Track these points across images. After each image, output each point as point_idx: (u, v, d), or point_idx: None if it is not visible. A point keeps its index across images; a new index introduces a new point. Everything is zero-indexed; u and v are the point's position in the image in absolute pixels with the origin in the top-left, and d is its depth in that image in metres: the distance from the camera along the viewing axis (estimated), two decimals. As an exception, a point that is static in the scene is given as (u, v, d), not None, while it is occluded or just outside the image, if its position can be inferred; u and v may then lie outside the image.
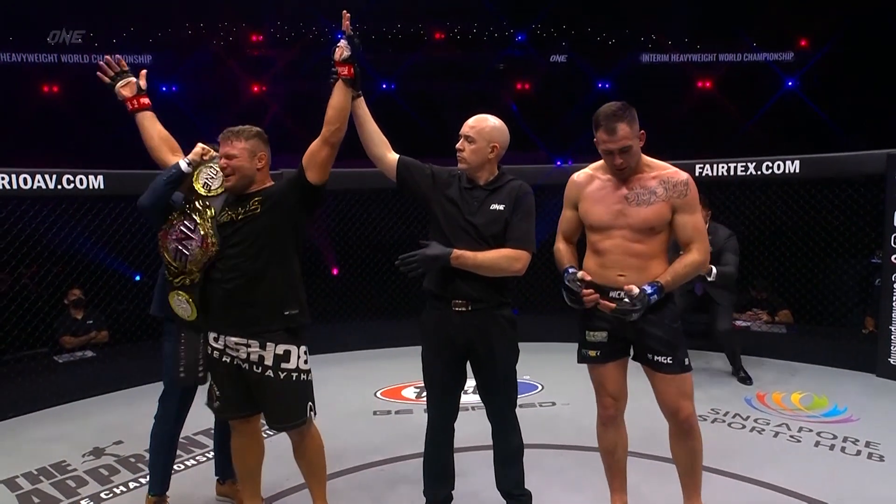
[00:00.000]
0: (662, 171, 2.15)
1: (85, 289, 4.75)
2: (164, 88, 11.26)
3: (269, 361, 2.13)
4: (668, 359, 2.12)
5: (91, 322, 4.89)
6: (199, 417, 2.66)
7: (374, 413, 3.68)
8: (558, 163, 8.73)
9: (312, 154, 2.15)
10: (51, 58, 10.77)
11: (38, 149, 8.85)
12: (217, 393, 2.22)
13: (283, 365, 2.14)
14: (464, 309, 2.14)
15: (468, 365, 2.27)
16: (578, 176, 2.26)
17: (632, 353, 2.23)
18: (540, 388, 4.04)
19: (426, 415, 2.33)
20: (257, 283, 2.12)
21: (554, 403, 3.76)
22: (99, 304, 4.84)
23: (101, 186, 3.90)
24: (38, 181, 3.65)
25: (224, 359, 2.18)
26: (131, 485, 2.84)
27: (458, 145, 2.17)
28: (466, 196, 2.18)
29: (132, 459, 3.10)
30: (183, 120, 10.65)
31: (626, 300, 2.01)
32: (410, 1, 11.66)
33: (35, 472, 2.97)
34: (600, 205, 2.15)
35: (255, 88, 11.61)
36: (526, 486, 2.35)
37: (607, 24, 11.88)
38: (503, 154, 2.22)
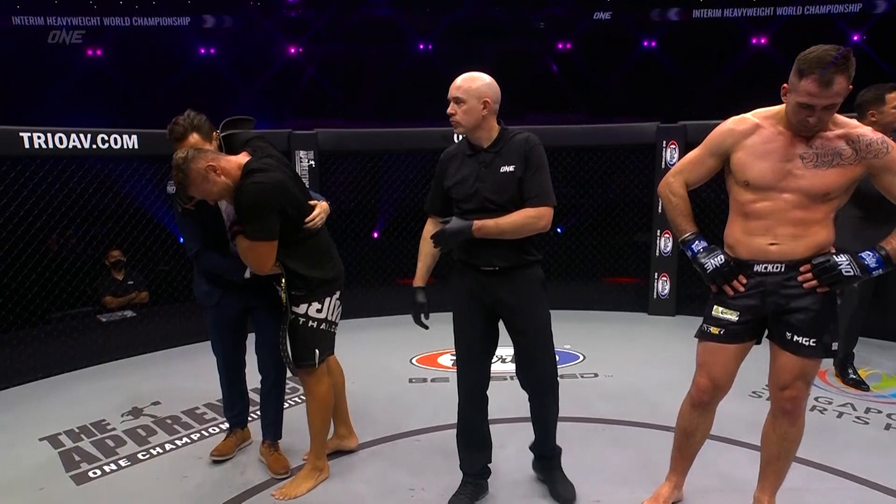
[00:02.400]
0: (852, 130, 1.79)
1: (125, 249, 4.76)
2: (202, 51, 11.20)
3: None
4: (812, 341, 1.85)
5: (132, 283, 4.92)
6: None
7: (410, 381, 3.57)
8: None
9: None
10: (93, 21, 10.80)
11: (86, 109, 8.95)
12: None
13: (294, 309, 2.28)
14: (492, 268, 2.08)
15: (498, 332, 2.17)
16: (738, 123, 1.89)
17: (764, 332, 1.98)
18: (581, 358, 3.85)
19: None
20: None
21: (596, 375, 3.57)
22: (138, 264, 4.85)
23: (136, 146, 3.83)
24: (74, 140, 3.59)
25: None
26: (167, 446, 2.81)
27: (448, 110, 2.03)
28: (471, 163, 2.07)
29: (168, 420, 3.08)
30: (220, 82, 10.60)
31: (842, 266, 1.79)
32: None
33: (76, 430, 2.98)
34: (764, 161, 1.81)
35: (292, 50, 11.42)
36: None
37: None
38: (497, 109, 2.07)
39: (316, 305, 2.25)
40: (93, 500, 2.39)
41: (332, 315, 2.33)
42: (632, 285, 4.96)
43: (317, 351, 2.28)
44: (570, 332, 3.92)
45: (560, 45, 11.70)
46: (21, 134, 3.40)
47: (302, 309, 2.25)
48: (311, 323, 2.26)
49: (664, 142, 4.46)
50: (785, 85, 1.76)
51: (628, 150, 4.71)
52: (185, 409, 3.19)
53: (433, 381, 3.56)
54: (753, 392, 3.14)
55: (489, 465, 2.29)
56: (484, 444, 2.26)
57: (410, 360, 3.88)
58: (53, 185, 3.79)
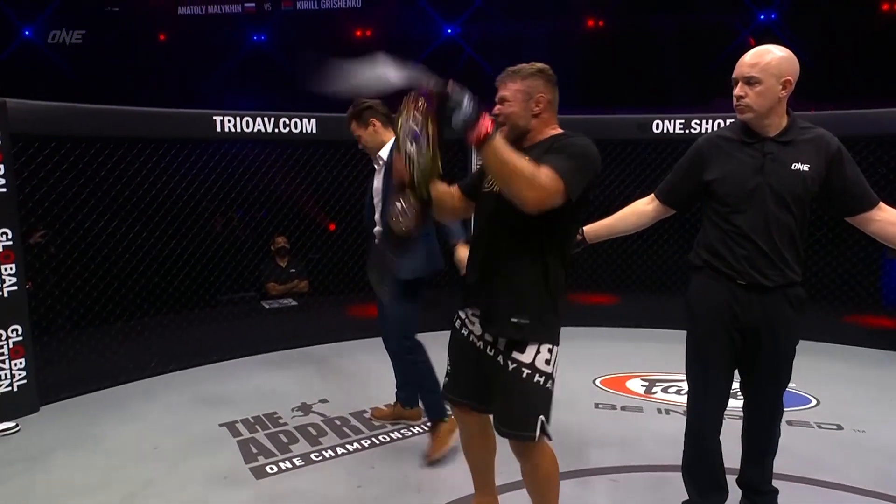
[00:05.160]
0: None
1: (287, 236, 5.09)
2: (357, 33, 11.85)
3: (501, 345, 1.84)
4: None
5: (293, 270, 5.25)
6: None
7: (596, 406, 3.37)
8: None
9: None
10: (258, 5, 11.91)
11: (244, 93, 9.88)
12: (448, 368, 2.04)
13: (515, 355, 1.81)
14: (744, 283, 1.93)
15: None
16: None
17: None
18: (814, 402, 3.37)
19: (684, 417, 2.16)
20: (502, 268, 1.82)
21: (840, 427, 3.09)
22: (298, 252, 5.16)
23: (314, 131, 4.06)
24: (259, 124, 3.89)
25: (463, 330, 1.96)
26: (338, 449, 2.90)
27: (735, 92, 1.90)
28: (750, 153, 1.92)
29: (337, 422, 3.19)
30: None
31: None
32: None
33: (251, 421, 3.20)
34: None
35: (448, 30, 11.66)
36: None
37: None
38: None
39: (547, 348, 1.81)
40: (272, 496, 2.51)
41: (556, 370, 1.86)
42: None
43: (541, 419, 1.82)
44: (796, 367, 3.45)
45: (762, 16, 10.66)
46: (214, 117, 3.75)
47: (528, 356, 1.79)
48: (536, 377, 1.80)
49: (943, 132, 3.77)
50: None
51: (888, 144, 4.06)
52: (353, 412, 3.29)
53: (623, 408, 3.33)
54: None
55: None
56: (720, 486, 2.14)
57: (594, 382, 3.68)
58: (222, 166, 4.12)
